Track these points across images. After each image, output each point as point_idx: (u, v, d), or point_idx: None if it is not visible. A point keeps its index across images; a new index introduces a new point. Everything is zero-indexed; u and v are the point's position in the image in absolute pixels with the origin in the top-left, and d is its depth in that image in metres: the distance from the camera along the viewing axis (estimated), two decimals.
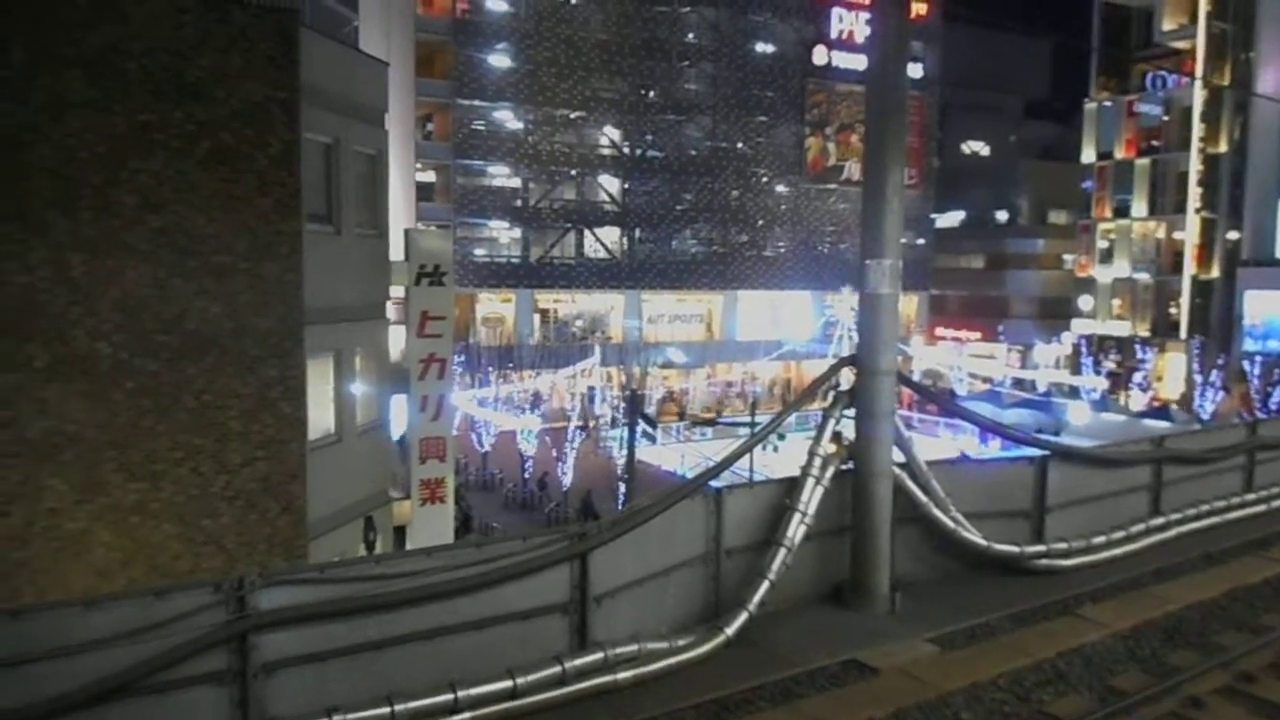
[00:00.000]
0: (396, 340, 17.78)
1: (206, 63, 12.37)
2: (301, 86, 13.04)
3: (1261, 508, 14.90)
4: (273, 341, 13.00)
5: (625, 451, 34.72)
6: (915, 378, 46.27)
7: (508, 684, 7.83)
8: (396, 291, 17.27)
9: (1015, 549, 11.59)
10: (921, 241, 63.89)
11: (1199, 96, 53.19)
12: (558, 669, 8.11)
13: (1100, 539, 12.41)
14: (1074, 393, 52.93)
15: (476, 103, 51.40)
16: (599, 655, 8.39)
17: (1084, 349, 57.16)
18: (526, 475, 37.81)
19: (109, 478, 12.14)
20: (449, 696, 7.57)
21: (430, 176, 53.34)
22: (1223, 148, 53.64)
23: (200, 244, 12.44)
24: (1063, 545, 12.03)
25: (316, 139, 14.05)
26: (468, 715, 7.62)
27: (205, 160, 12.41)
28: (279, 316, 13.02)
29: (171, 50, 12.17)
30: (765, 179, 59.10)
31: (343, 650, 7.44)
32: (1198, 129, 53.20)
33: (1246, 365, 49.45)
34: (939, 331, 67.40)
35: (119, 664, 6.54)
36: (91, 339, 11.89)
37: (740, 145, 58.04)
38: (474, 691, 7.67)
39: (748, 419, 39.95)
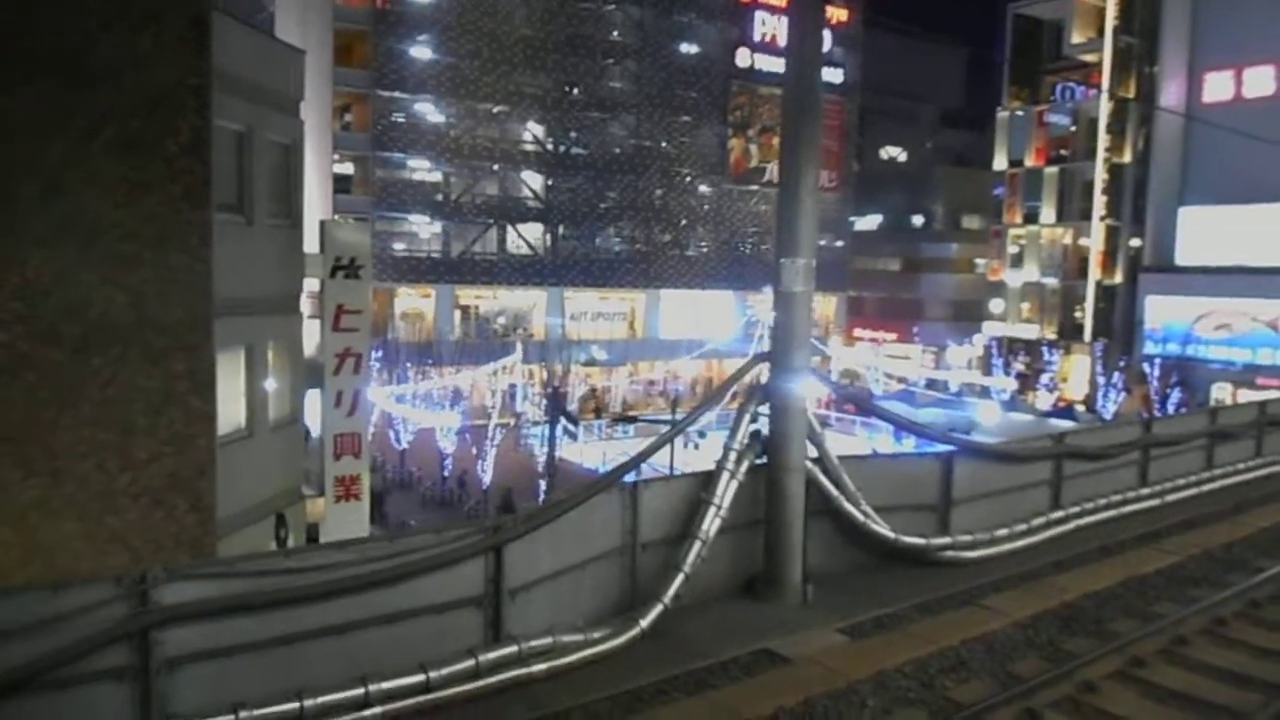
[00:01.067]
0: (312, 334, 17.46)
1: (113, 45, 11.96)
2: (213, 72, 12.69)
3: (1155, 502, 15.51)
4: (180, 333, 12.60)
5: (546, 449, 34.67)
6: (834, 377, 47.23)
7: (420, 677, 7.79)
8: (312, 284, 16.95)
9: (922, 541, 11.90)
10: (841, 244, 64.98)
11: (1105, 108, 55.22)
12: (471, 662, 8.09)
13: (1003, 531, 12.81)
14: (985, 393, 54.56)
15: (397, 94, 50.69)
16: (513, 648, 8.40)
17: (995, 351, 58.92)
18: (446, 473, 37.43)
19: (5, 473, 11.65)
20: (360, 691, 7.50)
21: (349, 168, 52.41)
22: (1127, 158, 55.79)
23: (105, 232, 12.01)
24: (967, 538, 12.40)
25: (228, 126, 13.71)
26: (379, 710, 7.55)
27: (110, 146, 11.99)
28: (187, 307, 12.63)
29: (77, 31, 11.75)
30: (688, 179, 59.49)
31: (250, 645, 7.31)
32: (1103, 139, 55.25)
33: (1147, 367, 51.63)
34: (857, 332, 68.69)
35: (14, 660, 6.34)
36: None
37: (664, 145, 58.33)
38: (385, 685, 7.61)
39: (669, 417, 40.17)
